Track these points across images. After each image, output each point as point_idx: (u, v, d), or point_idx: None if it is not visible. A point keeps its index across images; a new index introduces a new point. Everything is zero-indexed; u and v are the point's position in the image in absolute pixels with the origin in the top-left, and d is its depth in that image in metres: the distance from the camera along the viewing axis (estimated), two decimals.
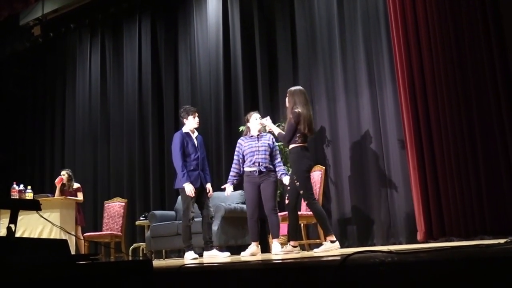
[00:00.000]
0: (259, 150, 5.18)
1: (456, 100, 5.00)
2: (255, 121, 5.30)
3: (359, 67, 6.59)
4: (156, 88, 8.79)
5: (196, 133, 5.61)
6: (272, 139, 5.35)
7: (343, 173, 6.57)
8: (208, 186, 5.55)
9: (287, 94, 4.99)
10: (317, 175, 6.00)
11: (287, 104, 4.98)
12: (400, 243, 5.96)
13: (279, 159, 5.30)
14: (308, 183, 4.83)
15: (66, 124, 9.83)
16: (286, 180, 5.11)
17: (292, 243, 4.83)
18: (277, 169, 5.25)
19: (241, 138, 5.39)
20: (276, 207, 5.15)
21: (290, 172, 5.14)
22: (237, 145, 5.36)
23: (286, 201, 4.89)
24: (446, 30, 5.12)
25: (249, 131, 5.34)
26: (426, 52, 5.25)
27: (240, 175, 5.32)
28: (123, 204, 7.71)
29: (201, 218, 5.54)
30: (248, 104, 7.50)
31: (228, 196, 5.37)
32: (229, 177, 5.34)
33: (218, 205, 6.31)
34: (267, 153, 5.22)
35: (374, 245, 6.09)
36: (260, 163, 5.15)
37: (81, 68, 9.80)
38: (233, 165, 5.35)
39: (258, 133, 5.29)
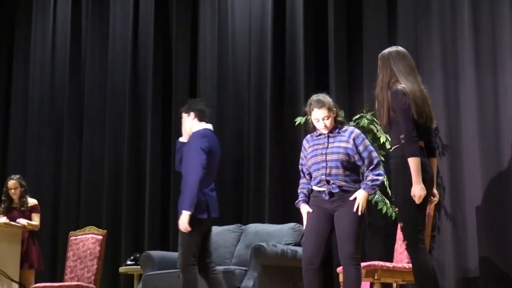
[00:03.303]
0: (326, 160, 4.71)
1: None
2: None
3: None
4: (162, 52, 8.28)
5: None
6: (356, 133, 4.89)
7: (467, 202, 6.06)
8: None
9: (379, 61, 4.58)
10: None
11: (378, 80, 4.51)
12: None
13: (374, 165, 4.75)
14: (414, 211, 4.41)
15: (12, 107, 9.23)
16: (360, 194, 4.62)
17: None
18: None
19: (308, 136, 5.00)
20: (358, 254, 4.63)
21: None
22: (302, 149, 4.99)
23: (404, 241, 4.51)
24: None
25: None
26: None
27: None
28: (100, 237, 7.10)
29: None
30: (311, 82, 6.98)
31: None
32: (300, 194, 4.93)
33: (256, 246, 6.19)
34: (342, 162, 4.66)
35: None
36: (331, 180, 4.63)
37: (39, 18, 9.20)
38: (300, 182, 4.95)
39: (329, 128, 4.74)
